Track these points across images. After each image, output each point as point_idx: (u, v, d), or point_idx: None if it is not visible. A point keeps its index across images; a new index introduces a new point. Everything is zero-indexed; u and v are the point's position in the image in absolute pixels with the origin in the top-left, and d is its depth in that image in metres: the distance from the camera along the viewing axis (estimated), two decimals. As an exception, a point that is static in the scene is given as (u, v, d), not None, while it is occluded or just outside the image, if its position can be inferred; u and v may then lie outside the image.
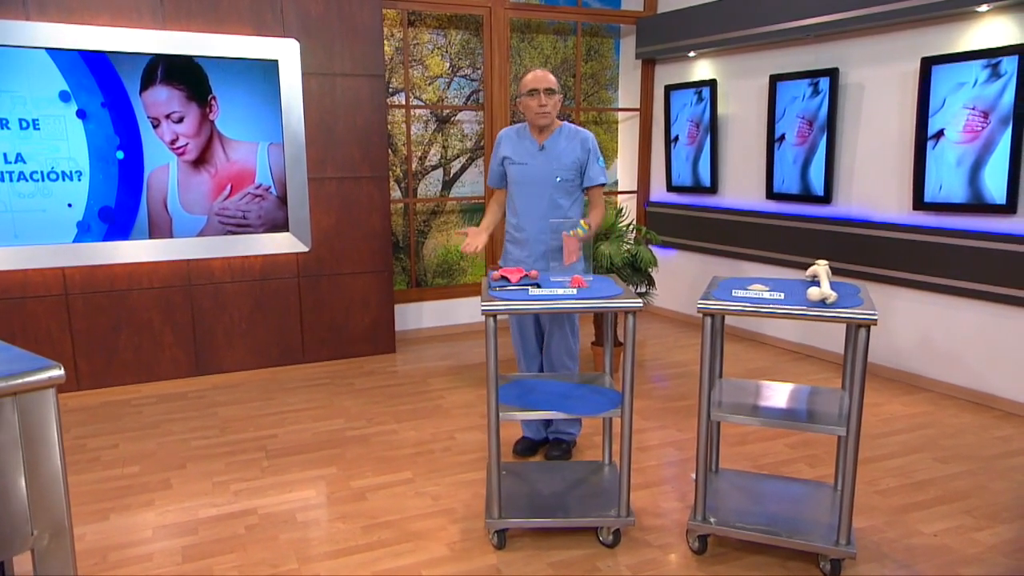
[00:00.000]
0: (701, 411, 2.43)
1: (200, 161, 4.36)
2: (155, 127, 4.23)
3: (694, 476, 2.80)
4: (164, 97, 4.23)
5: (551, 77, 3.08)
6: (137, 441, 3.58)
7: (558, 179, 3.13)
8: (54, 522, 1.81)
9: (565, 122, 3.21)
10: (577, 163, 3.13)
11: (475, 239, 3.12)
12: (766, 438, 3.52)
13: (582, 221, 2.96)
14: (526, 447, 3.35)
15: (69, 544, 1.84)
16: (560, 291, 2.47)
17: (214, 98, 4.33)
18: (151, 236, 4.30)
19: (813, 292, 2.28)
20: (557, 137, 3.15)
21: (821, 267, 2.50)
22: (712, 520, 2.51)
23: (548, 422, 3.39)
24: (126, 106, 4.16)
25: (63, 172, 4.08)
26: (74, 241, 4.15)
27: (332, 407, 4.03)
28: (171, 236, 4.35)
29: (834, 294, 2.27)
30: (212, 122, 4.34)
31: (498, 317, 2.40)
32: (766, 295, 2.36)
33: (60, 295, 4.21)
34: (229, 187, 4.44)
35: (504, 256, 3.32)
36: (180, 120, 4.28)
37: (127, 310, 4.36)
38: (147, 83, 4.18)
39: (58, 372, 1.75)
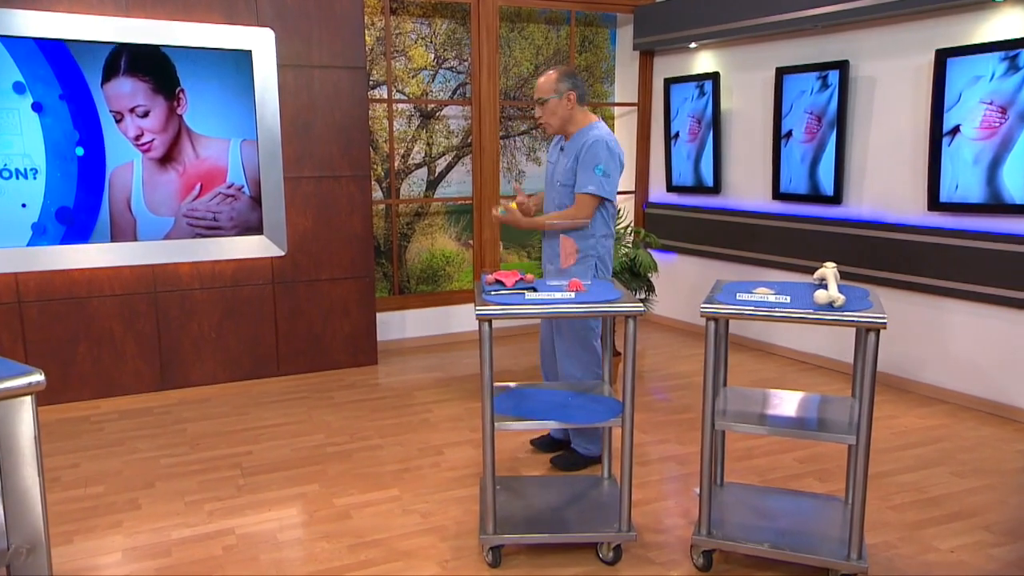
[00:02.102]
0: (705, 420, 2.55)
1: (167, 158, 4.44)
2: (118, 122, 4.31)
3: (697, 491, 2.91)
4: (128, 89, 4.31)
5: (547, 83, 3.28)
6: (99, 460, 3.65)
7: (558, 183, 3.35)
8: (31, 536, 1.89)
9: (596, 122, 3.34)
10: (575, 167, 3.29)
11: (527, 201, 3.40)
12: (773, 452, 3.65)
13: (513, 201, 3.18)
14: (546, 443, 3.60)
15: (46, 560, 1.92)
16: (558, 295, 2.58)
17: (182, 91, 4.42)
18: (113, 239, 4.37)
19: (820, 295, 2.41)
20: (576, 139, 3.34)
21: (829, 269, 2.63)
22: (717, 534, 2.62)
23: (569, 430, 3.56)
24: (86, 99, 4.24)
25: (17, 170, 4.15)
26: (28, 244, 4.21)
27: (311, 422, 4.12)
28: (135, 239, 4.42)
29: (842, 297, 2.40)
30: (180, 117, 4.43)
31: (494, 323, 2.51)
32: (771, 298, 2.49)
33: (12, 303, 4.27)
34: (198, 186, 4.53)
35: None
36: (145, 114, 4.36)
37: (86, 319, 4.42)
38: (109, 74, 4.26)
39: (38, 378, 1.84)
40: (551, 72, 3.31)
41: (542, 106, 3.31)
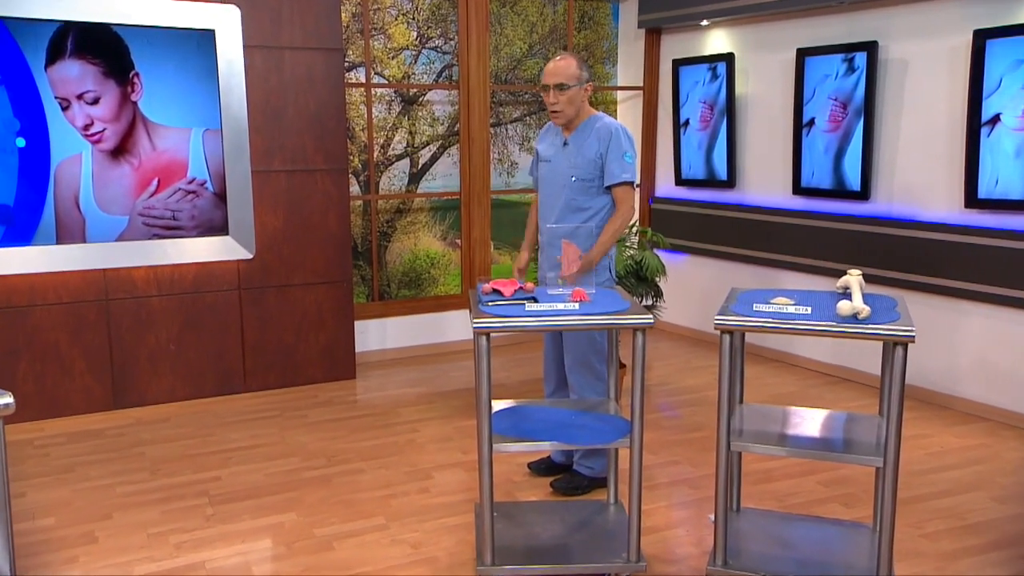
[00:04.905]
0: (720, 441, 2.68)
1: (120, 150, 4.53)
2: (64, 109, 4.39)
3: (712, 518, 3.05)
4: (75, 73, 4.39)
5: (569, 68, 3.45)
6: (48, 489, 3.73)
7: (573, 178, 3.50)
8: (-4, 569, 1.99)
9: (600, 113, 3.58)
10: (596, 160, 3.47)
11: (518, 264, 3.68)
12: (794, 475, 3.78)
13: (560, 279, 3.30)
14: (545, 467, 3.74)
15: (13, 594, 2.03)
16: (560, 306, 2.71)
17: (137, 75, 4.51)
18: (59, 240, 4.46)
19: (843, 306, 2.55)
20: (583, 131, 3.53)
21: (853, 278, 2.77)
22: (734, 564, 2.75)
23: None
24: (28, 83, 4.31)
25: (-50, 164, 4.23)
26: (-38, 247, 4.29)
27: (284, 444, 4.23)
28: (84, 240, 4.51)
29: (867, 308, 2.53)
30: (135, 104, 4.52)
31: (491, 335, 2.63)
32: (791, 309, 2.63)
33: (-54, 312, 4.36)
34: (156, 182, 4.62)
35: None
36: (95, 101, 4.45)
37: (27, 331, 4.50)
38: (54, 56, 4.34)
39: (6, 400, 1.95)
40: (570, 58, 3.49)
41: (562, 92, 3.43)
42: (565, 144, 3.56)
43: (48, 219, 4.43)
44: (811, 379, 5.25)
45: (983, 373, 4.56)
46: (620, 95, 6.54)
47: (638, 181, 3.55)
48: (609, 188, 3.50)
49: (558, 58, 3.51)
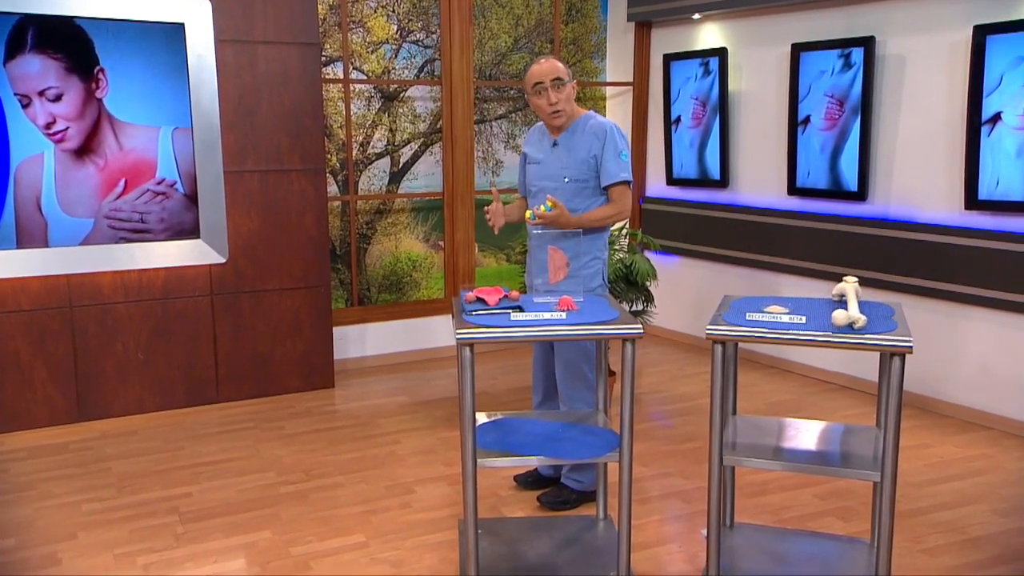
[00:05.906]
0: (712, 454, 2.70)
1: (85, 150, 4.52)
2: (25, 107, 4.38)
3: (704, 532, 3.07)
4: (36, 69, 4.37)
5: (559, 65, 3.49)
6: (7, 507, 3.71)
7: (566, 179, 3.52)
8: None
9: (590, 112, 3.61)
10: (590, 160, 3.50)
11: (495, 214, 3.49)
12: (790, 487, 3.81)
13: (547, 198, 3.32)
14: (532, 480, 3.74)
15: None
16: (547, 315, 2.73)
17: (102, 70, 4.50)
18: (19, 245, 4.44)
19: (839, 316, 2.58)
20: (574, 131, 3.55)
21: (849, 285, 2.80)
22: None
23: None
24: (-14, 80, 4.31)
25: (-97, 164, 4.22)
26: (-85, 252, 4.28)
27: (259, 457, 4.22)
28: (46, 245, 4.49)
29: (863, 317, 2.56)
30: (100, 101, 4.51)
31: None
32: (785, 319, 2.65)
33: (-98, 320, 4.34)
34: (123, 183, 4.61)
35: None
36: (58, 98, 4.43)
37: (-13, 339, 4.49)
38: (14, 51, 4.32)
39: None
40: (552, 58, 3.55)
41: (559, 89, 3.45)
42: (555, 145, 3.58)
43: (8, 222, 4.41)
44: (808, 386, 5.29)
45: (984, 380, 4.60)
46: (609, 91, 6.57)
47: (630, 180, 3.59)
48: (606, 188, 3.52)
49: (542, 60, 3.52)
